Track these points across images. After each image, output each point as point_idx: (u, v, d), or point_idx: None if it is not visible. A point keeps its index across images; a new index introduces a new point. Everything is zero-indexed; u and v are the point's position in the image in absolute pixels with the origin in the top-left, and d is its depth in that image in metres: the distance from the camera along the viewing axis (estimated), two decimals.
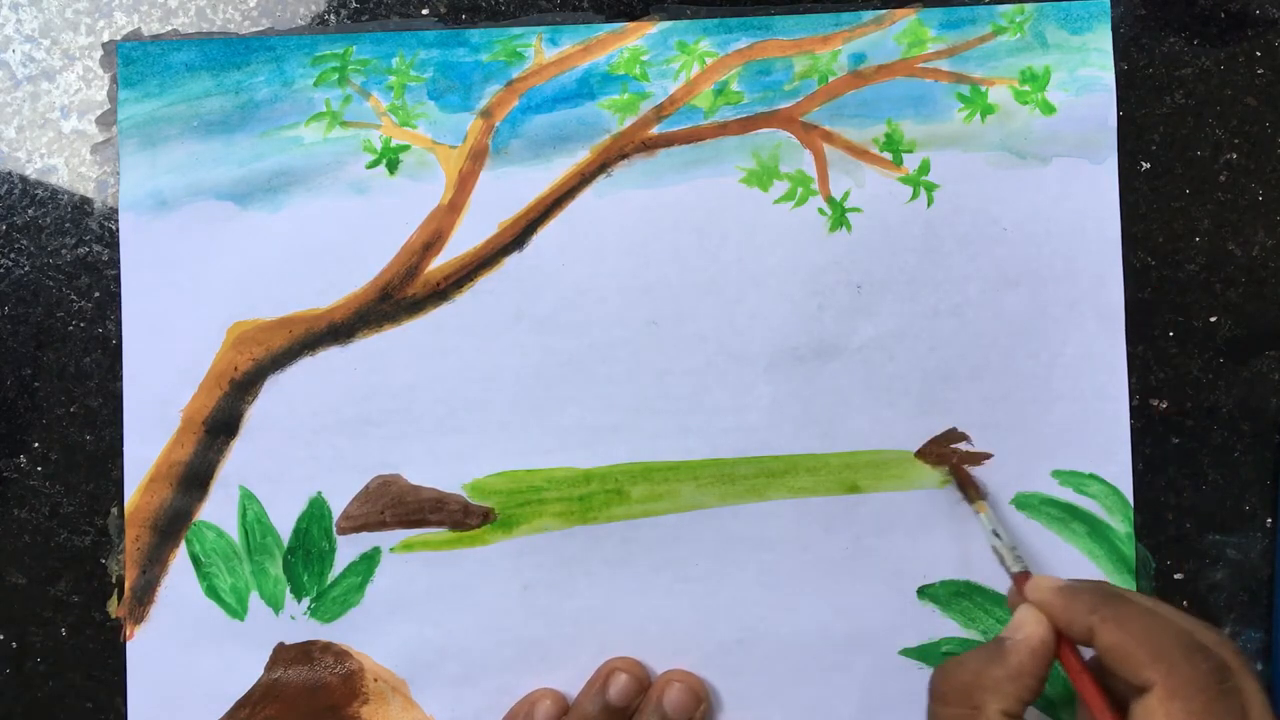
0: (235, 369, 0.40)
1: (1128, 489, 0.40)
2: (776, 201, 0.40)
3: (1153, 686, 0.30)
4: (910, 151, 0.40)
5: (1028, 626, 0.33)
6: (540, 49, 0.40)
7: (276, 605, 0.40)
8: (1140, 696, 0.30)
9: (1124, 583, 0.40)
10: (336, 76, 0.40)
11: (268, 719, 0.40)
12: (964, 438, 0.40)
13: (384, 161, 0.40)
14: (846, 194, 0.40)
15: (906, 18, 0.40)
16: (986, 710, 0.32)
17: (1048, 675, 0.32)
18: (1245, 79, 0.41)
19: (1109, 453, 0.40)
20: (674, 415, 0.40)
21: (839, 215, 0.40)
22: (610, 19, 0.40)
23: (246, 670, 0.40)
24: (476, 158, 0.40)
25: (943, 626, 0.40)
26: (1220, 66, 0.41)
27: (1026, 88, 0.40)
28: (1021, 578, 0.35)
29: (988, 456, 0.40)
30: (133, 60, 0.40)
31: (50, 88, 0.41)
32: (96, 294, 0.40)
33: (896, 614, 0.40)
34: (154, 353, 0.40)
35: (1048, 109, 0.40)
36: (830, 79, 0.40)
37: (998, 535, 0.37)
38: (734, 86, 0.40)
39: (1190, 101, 0.41)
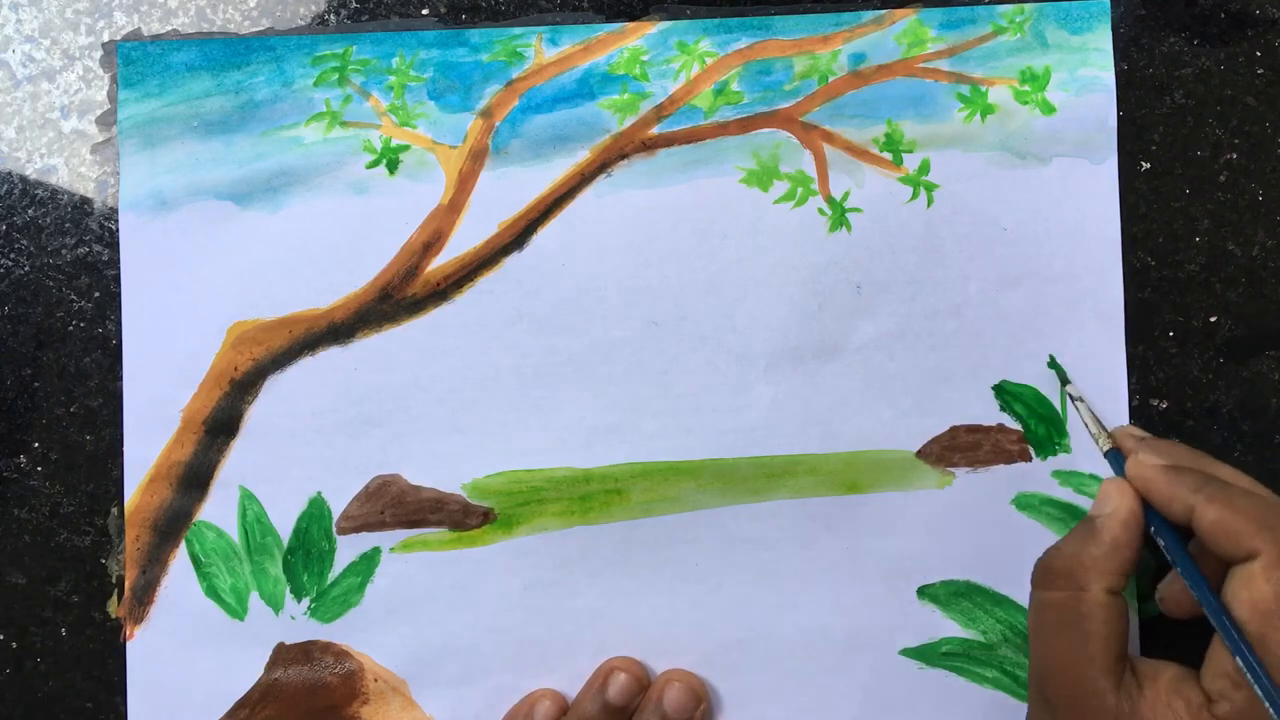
0: (235, 369, 0.40)
1: None
2: (776, 201, 0.40)
3: (1259, 555, 0.31)
4: (910, 151, 0.40)
5: (1113, 500, 0.34)
6: (540, 49, 0.40)
7: (276, 605, 0.40)
8: (1240, 565, 0.32)
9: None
10: (336, 76, 0.40)
11: (268, 719, 0.40)
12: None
13: (384, 161, 0.40)
14: (846, 194, 0.40)
15: (906, 18, 0.40)
16: (1091, 589, 0.33)
17: (1142, 546, 0.34)
18: (1245, 79, 0.41)
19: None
20: (674, 415, 0.40)
21: (839, 215, 0.40)
22: (610, 19, 0.40)
23: (246, 670, 0.40)
24: (476, 158, 0.40)
25: (943, 626, 0.40)
26: (1220, 66, 0.41)
27: (1026, 88, 0.40)
28: (1117, 454, 0.36)
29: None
30: (133, 60, 0.40)
31: (50, 88, 0.41)
32: (96, 294, 0.40)
33: (896, 614, 0.40)
34: (154, 353, 0.40)
35: (1048, 109, 0.40)
36: (830, 79, 0.40)
37: (1088, 413, 0.38)
38: (734, 86, 0.40)
39: (1190, 101, 0.41)
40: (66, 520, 0.40)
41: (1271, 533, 0.31)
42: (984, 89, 0.40)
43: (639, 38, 0.40)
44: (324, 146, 0.40)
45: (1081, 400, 0.38)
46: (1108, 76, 0.40)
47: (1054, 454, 0.40)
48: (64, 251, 0.40)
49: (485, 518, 0.40)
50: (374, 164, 0.40)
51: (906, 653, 0.40)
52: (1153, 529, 0.34)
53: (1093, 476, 0.40)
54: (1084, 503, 0.40)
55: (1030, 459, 0.40)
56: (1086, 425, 0.38)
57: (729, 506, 0.40)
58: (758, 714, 0.40)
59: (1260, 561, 0.31)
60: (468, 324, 0.40)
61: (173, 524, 0.40)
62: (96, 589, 0.40)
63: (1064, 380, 0.39)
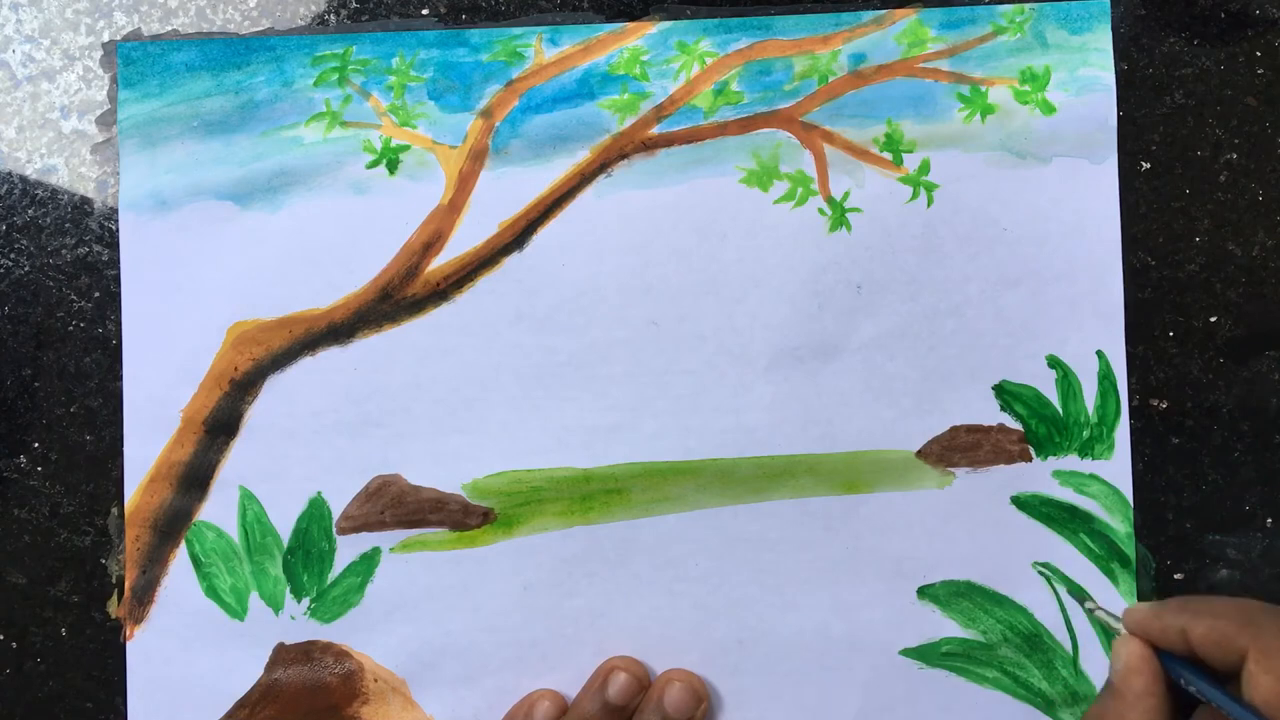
0: (235, 369, 0.40)
1: (1128, 489, 0.40)
2: (776, 201, 0.40)
3: (1247, 651, 0.31)
4: (910, 151, 0.40)
5: (1122, 655, 0.34)
6: (540, 49, 0.40)
7: (276, 605, 0.40)
8: (1241, 672, 0.31)
9: (1124, 583, 0.40)
10: (336, 76, 0.40)
11: (268, 719, 0.40)
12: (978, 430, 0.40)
13: (384, 161, 0.40)
14: (846, 194, 0.40)
15: (906, 18, 0.40)
16: None
17: (1164, 694, 0.33)
18: (1245, 79, 0.41)
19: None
20: (674, 415, 0.40)
21: (839, 215, 0.40)
22: (610, 19, 0.40)
23: (246, 670, 0.40)
24: (476, 158, 0.40)
25: (943, 626, 0.40)
26: (1220, 66, 0.41)
27: (1026, 88, 0.40)
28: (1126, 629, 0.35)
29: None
30: (133, 60, 0.40)
31: (50, 88, 0.41)
32: (96, 294, 0.40)
33: (896, 614, 0.40)
34: (154, 353, 0.40)
35: (1048, 109, 0.40)
36: (830, 79, 0.40)
37: (1106, 616, 0.37)
38: (734, 86, 0.40)
39: (1190, 101, 0.41)
40: (66, 520, 0.40)
41: (1253, 626, 0.31)
42: (984, 89, 0.40)
43: (639, 38, 0.40)
44: (324, 146, 0.40)
45: (1098, 609, 0.37)
46: (1108, 76, 0.40)
47: (1054, 454, 0.40)
48: (64, 251, 0.40)
49: (485, 518, 0.40)
50: (374, 164, 0.40)
51: (906, 653, 0.40)
52: (1182, 679, 0.34)
53: (1093, 476, 0.40)
54: (1084, 503, 0.40)
55: (1030, 459, 0.40)
56: (1106, 627, 0.37)
57: (729, 506, 0.40)
58: (758, 714, 0.40)
59: (1251, 657, 0.31)
60: (468, 324, 0.40)
61: (173, 524, 0.40)
62: (96, 589, 0.40)
63: (1083, 597, 0.39)
